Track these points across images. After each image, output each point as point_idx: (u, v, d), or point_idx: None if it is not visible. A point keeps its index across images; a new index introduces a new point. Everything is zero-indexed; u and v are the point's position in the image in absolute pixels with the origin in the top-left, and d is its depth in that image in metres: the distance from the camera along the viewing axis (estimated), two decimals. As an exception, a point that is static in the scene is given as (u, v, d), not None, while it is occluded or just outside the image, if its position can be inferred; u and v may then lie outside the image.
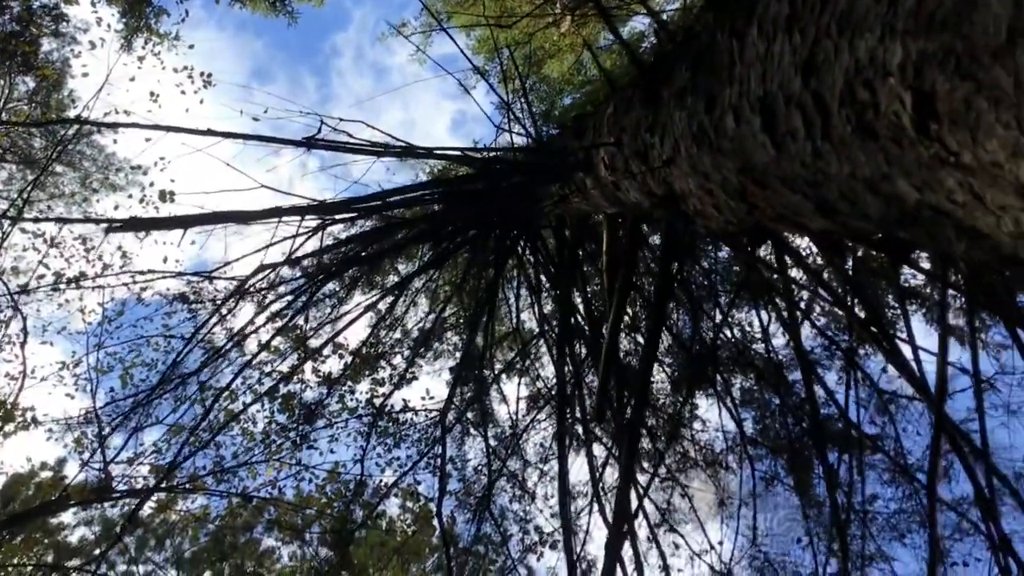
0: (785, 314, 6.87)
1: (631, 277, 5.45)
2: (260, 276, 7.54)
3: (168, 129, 6.21)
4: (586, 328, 7.02)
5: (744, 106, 2.72)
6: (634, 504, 7.17)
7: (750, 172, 2.89)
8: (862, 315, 6.90)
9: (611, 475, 7.79)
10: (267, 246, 6.56)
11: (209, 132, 5.99)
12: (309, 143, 5.79)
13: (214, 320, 7.87)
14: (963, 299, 5.24)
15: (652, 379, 8.73)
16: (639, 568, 5.60)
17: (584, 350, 7.79)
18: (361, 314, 7.66)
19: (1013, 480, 7.42)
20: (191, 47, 9.46)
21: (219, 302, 7.40)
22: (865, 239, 2.78)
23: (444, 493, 7.55)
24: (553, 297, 7.32)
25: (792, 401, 7.62)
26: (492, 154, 6.15)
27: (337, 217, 7.28)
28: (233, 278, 7.80)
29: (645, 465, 7.64)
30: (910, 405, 7.51)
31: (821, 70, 2.21)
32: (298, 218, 5.34)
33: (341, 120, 7.18)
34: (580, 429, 7.12)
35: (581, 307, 7.58)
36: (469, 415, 8.99)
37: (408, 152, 5.44)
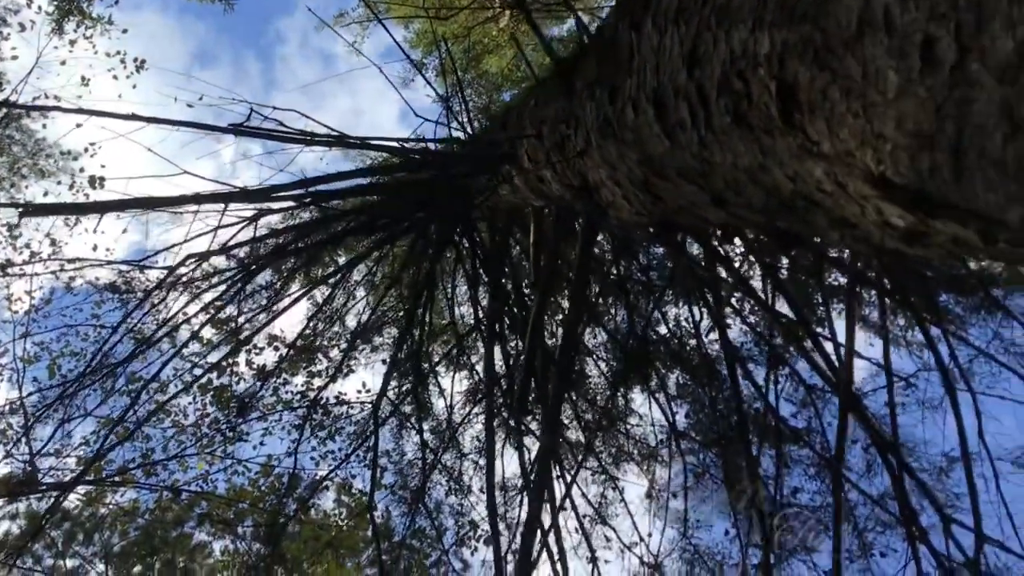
0: (717, 309, 6.99)
1: (554, 270, 5.49)
2: (191, 265, 7.42)
3: (92, 113, 6.07)
4: (517, 321, 7.06)
5: (641, 97, 2.76)
6: (563, 497, 7.23)
7: (650, 163, 2.93)
8: (790, 314, 7.05)
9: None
10: (190, 237, 6.46)
11: (133, 117, 5.86)
12: (235, 130, 5.71)
13: (144, 310, 7.70)
14: (876, 296, 5.40)
15: (588, 375, 8.81)
16: (563, 558, 5.64)
17: (519, 342, 7.82)
18: (294, 301, 7.58)
19: (935, 475, 7.66)
20: (124, 31, 9.27)
21: (146, 291, 7.25)
22: (759, 229, 2.84)
23: (376, 486, 7.51)
24: (489, 290, 7.34)
25: (722, 395, 7.74)
26: (423, 145, 6.14)
27: (274, 207, 7.21)
28: (166, 267, 7.66)
29: (580, 459, 7.70)
30: (835, 400, 7.69)
31: (703, 61, 2.26)
32: (221, 205, 5.27)
33: (275, 108, 7.08)
34: (513, 421, 7.16)
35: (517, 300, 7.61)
36: (406, 408, 8.95)
37: (335, 141, 5.41)
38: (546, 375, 5.34)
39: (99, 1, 9.10)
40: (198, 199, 4.93)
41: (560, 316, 7.71)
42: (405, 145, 6.11)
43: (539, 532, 6.30)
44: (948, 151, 1.41)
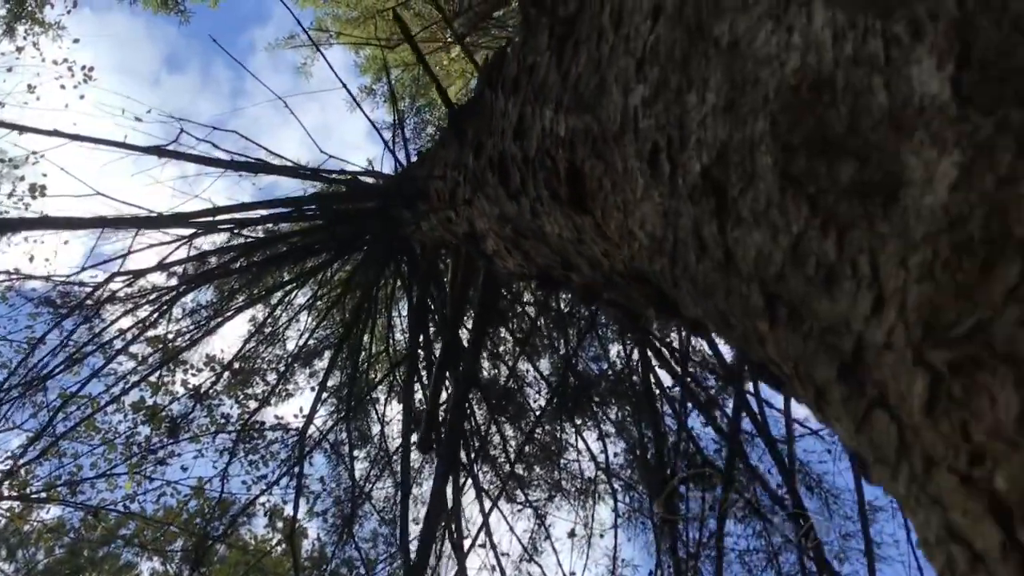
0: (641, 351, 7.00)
1: (460, 311, 5.50)
2: (123, 282, 7.36)
3: (12, 127, 6.04)
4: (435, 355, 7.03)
5: (495, 158, 2.77)
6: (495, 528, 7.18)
7: (509, 222, 2.94)
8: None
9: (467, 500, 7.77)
10: (125, 252, 6.42)
11: (55, 133, 5.83)
12: (158, 151, 5.70)
13: (71, 325, 7.61)
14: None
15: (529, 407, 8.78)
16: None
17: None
18: (222, 322, 7.53)
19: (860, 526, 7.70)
20: (76, 41, 9.23)
21: (70, 308, 7.17)
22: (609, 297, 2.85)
23: (297, 513, 7.42)
24: (409, 323, 7.33)
25: (650, 436, 7.74)
26: (345, 176, 6.14)
27: (220, 228, 7.19)
28: (96, 284, 7.58)
29: (499, 492, 7.64)
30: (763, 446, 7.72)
31: (527, 134, 2.27)
32: (133, 229, 5.23)
33: (214, 129, 7.10)
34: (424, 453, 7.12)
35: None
36: (339, 435, 8.87)
37: (250, 167, 5.40)
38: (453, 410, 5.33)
39: (56, 5, 9.05)
40: (103, 223, 4.89)
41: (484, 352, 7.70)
42: (332, 175, 6.11)
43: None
44: (669, 258, 1.42)
